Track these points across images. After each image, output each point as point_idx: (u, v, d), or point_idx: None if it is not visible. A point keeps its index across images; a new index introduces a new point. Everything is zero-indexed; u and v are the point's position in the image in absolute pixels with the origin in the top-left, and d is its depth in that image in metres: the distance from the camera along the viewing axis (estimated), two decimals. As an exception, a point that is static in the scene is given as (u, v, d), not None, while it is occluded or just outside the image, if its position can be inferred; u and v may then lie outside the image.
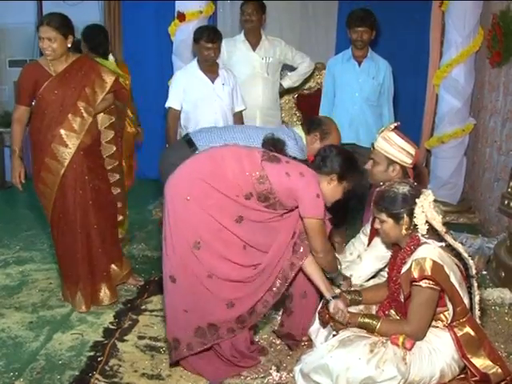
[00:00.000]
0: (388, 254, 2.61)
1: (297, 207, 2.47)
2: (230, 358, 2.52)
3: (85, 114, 3.09)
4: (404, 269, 2.20)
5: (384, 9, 4.72)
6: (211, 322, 2.45)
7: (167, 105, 4.02)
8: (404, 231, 2.25)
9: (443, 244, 2.21)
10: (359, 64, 4.06)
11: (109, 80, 3.17)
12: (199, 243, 2.38)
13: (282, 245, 2.49)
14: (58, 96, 3.04)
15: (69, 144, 3.07)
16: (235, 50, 4.29)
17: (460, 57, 4.81)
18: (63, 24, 2.99)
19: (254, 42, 4.39)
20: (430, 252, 2.14)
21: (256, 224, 2.45)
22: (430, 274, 2.10)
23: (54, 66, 3.06)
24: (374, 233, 2.74)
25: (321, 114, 4.20)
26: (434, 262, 2.11)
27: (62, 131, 3.05)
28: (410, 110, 5.38)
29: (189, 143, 3.23)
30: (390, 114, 4.17)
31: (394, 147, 2.66)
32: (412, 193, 2.24)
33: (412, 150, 2.66)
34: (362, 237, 2.91)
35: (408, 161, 2.67)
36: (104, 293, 3.26)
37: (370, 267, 2.69)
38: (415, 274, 2.11)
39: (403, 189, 2.25)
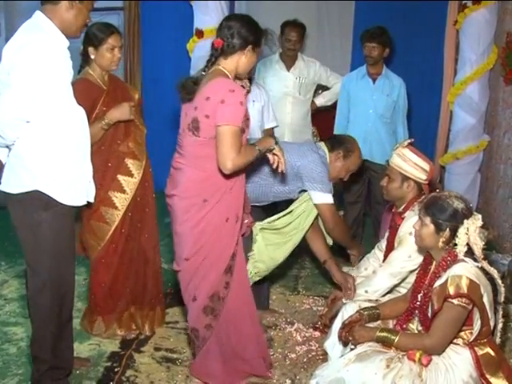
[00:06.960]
0: (403, 270, 2.63)
1: None
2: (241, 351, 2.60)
3: (140, 126, 2.96)
4: (438, 283, 2.17)
5: (399, 27, 4.77)
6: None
7: None
8: (441, 243, 2.21)
9: (479, 265, 2.18)
10: (374, 81, 4.11)
11: (136, 96, 3.05)
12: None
13: None
14: None
15: (140, 157, 2.92)
16: (270, 70, 4.32)
17: (474, 74, 4.83)
18: None
19: (290, 63, 4.37)
20: (467, 270, 2.12)
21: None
22: (465, 292, 2.07)
23: (102, 80, 2.86)
24: (390, 248, 2.76)
25: (336, 130, 4.25)
26: (471, 281, 2.09)
27: (131, 144, 2.90)
28: (424, 127, 5.38)
29: None
30: (403, 131, 4.21)
31: (409, 163, 2.68)
32: (464, 212, 2.19)
33: (426, 166, 2.69)
34: (378, 252, 2.92)
35: (423, 177, 2.70)
36: (157, 315, 3.13)
37: (385, 283, 2.68)
38: (451, 291, 2.08)
39: (458, 204, 2.19)
